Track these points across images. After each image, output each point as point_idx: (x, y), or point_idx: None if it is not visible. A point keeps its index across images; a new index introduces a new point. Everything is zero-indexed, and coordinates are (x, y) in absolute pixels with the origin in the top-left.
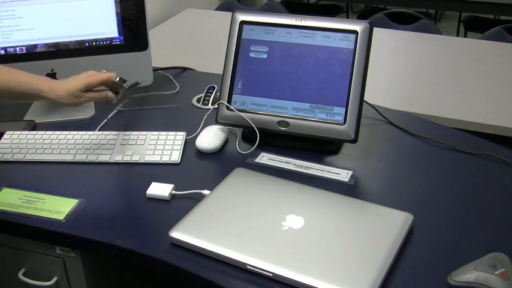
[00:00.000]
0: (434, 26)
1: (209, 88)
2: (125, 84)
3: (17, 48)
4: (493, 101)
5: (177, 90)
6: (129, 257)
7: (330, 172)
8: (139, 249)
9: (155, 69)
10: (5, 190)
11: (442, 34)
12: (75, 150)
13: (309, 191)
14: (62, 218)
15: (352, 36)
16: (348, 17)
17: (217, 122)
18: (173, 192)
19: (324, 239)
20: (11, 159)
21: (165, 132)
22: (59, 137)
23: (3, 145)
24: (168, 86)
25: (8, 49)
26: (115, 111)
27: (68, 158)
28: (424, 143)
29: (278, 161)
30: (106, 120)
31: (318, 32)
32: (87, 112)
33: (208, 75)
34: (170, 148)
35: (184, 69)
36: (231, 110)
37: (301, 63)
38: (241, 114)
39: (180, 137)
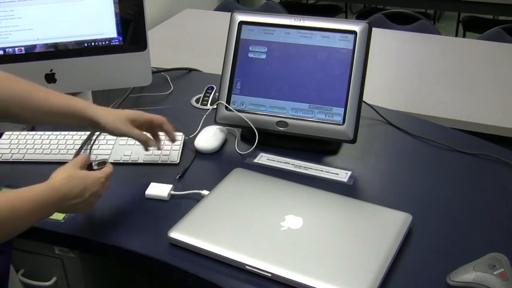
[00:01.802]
0: (433, 26)
1: (208, 88)
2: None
3: (16, 49)
4: (492, 101)
5: (170, 91)
6: (127, 257)
7: (328, 172)
8: (138, 249)
9: (159, 71)
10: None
11: (441, 34)
12: (74, 151)
13: (308, 191)
14: (60, 219)
15: (351, 36)
16: (346, 17)
17: (216, 122)
18: (172, 192)
19: (323, 239)
20: (10, 160)
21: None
22: (57, 137)
23: (2, 145)
24: (167, 86)
25: (6, 49)
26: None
27: (67, 158)
28: (423, 143)
29: (277, 161)
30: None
31: (317, 32)
32: None
33: (207, 75)
34: (169, 148)
35: (190, 70)
36: (230, 110)
37: (300, 63)
38: (240, 114)
39: (178, 137)
